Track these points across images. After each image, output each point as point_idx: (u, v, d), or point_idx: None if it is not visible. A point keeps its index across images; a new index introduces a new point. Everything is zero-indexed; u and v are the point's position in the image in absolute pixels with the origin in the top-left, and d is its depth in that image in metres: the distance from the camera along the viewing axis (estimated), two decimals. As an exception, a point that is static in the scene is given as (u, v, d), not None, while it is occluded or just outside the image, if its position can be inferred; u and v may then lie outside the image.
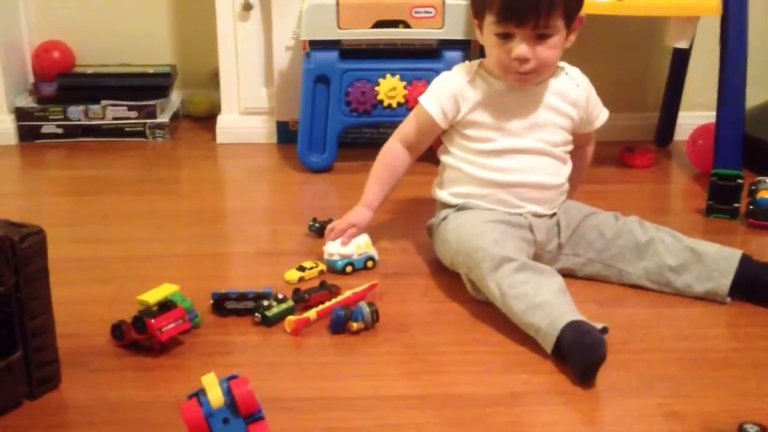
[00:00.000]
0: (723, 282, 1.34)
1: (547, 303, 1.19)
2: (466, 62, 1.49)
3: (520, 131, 1.42)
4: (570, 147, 1.47)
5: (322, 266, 1.46)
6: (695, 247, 1.38)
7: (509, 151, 1.42)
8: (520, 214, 1.41)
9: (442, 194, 1.48)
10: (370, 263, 1.48)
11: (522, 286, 1.23)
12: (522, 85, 1.41)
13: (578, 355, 1.12)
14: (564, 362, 1.15)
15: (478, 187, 1.43)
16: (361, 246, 1.48)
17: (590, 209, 1.48)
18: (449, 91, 1.43)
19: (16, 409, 1.04)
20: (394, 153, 1.51)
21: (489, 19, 1.35)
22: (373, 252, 1.49)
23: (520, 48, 1.34)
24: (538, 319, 1.19)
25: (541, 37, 1.34)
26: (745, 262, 1.35)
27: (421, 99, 1.47)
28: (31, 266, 1.03)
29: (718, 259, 1.35)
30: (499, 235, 1.33)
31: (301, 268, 1.44)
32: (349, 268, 1.46)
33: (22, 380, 1.04)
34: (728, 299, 1.35)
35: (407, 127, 1.50)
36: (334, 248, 1.47)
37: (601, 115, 1.52)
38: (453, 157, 1.47)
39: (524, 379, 1.14)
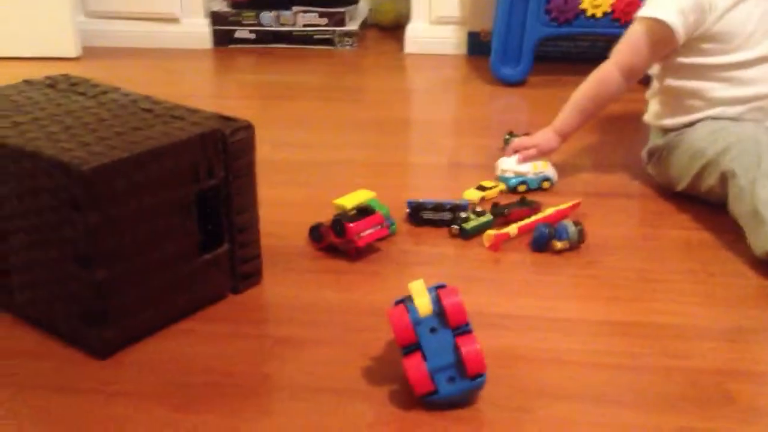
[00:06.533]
0: None
1: None
2: None
3: (761, 38, 1.27)
4: None
5: (503, 186, 1.38)
6: None
7: (756, 61, 1.26)
8: None
9: (671, 123, 1.34)
10: (546, 184, 1.38)
11: None
12: None
13: None
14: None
15: (727, 107, 1.27)
16: (537, 165, 1.37)
17: None
18: (696, 0, 1.25)
19: (220, 301, 1.05)
20: (609, 81, 1.33)
21: None
22: (550, 172, 1.39)
23: None
24: None
25: None
26: None
27: (656, 12, 1.28)
28: (240, 161, 1.02)
29: None
30: None
31: (481, 188, 1.36)
32: (522, 187, 1.36)
33: (226, 274, 1.05)
34: None
35: (631, 48, 1.31)
36: (508, 164, 1.38)
37: None
38: (684, 79, 1.31)
39: (752, 314, 1.03)
